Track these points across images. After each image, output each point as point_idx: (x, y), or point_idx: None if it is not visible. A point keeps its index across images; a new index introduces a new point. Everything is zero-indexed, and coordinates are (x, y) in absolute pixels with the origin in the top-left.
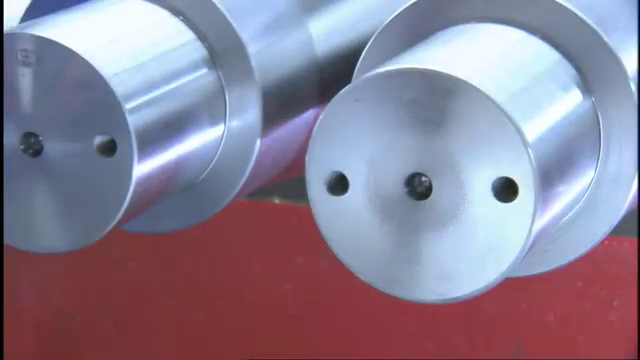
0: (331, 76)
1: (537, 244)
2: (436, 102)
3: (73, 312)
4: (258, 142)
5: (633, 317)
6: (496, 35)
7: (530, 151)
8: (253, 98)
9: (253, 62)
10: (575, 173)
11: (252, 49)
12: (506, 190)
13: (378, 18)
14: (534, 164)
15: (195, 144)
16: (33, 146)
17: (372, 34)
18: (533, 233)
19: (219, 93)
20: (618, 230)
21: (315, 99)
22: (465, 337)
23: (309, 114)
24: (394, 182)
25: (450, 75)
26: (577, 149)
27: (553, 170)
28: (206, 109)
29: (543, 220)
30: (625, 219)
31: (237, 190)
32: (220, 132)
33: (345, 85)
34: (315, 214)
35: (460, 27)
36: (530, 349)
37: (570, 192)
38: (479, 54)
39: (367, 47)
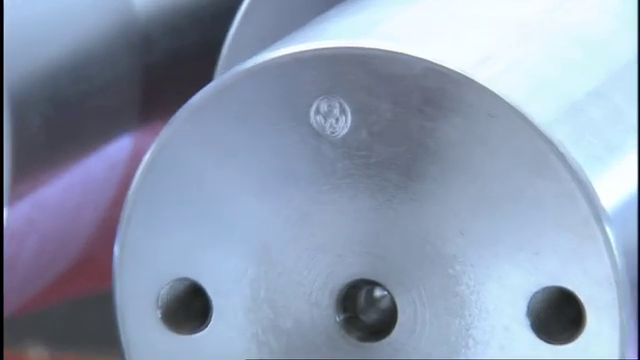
0: (166, 60)
1: None
2: (405, 126)
3: None
4: (5, 213)
5: None
6: None
7: (608, 231)
8: None
9: None
10: None
11: None
12: (558, 316)
13: None
14: (618, 260)
15: None
16: None
17: None
18: None
19: None
20: None
21: (133, 113)
22: None
23: (119, 149)
24: (314, 302)
25: (437, 65)
26: None
27: None
28: None
29: None
30: None
31: None
32: None
33: (201, 82)
34: None
35: None
36: None
37: None
38: (491, 25)
39: (244, 4)
